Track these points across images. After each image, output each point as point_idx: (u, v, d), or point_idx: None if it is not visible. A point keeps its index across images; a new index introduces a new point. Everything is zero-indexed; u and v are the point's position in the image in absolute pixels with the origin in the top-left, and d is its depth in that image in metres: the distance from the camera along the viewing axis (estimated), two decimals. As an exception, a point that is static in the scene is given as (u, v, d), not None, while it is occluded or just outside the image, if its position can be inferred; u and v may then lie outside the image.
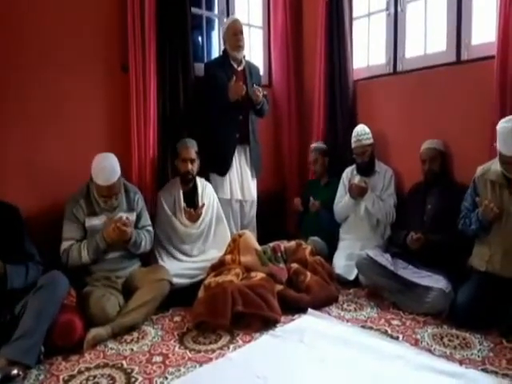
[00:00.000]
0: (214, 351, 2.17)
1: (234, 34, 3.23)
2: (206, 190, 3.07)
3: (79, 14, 2.77)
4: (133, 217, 2.64)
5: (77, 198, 2.52)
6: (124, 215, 2.55)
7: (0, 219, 2.13)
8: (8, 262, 2.04)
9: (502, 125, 2.31)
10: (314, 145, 3.65)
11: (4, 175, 2.53)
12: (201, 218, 2.96)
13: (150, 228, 2.76)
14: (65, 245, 2.47)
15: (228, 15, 3.66)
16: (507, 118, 2.34)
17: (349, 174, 3.42)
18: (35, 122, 2.63)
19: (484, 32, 2.97)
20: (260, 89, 3.22)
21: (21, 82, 2.57)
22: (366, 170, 3.30)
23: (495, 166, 2.43)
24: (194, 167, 2.95)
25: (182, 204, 2.94)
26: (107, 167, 2.44)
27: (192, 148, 2.95)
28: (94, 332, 2.21)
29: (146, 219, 2.76)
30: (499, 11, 2.67)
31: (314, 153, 3.59)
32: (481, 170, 2.52)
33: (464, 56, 3.04)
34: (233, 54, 3.27)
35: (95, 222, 2.52)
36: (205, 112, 3.26)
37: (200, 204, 2.97)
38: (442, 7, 3.16)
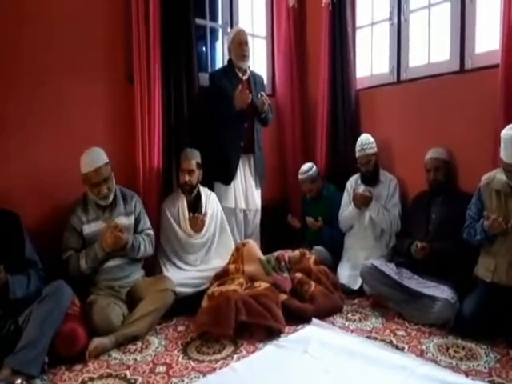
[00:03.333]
0: (217, 361, 2.16)
1: (239, 45, 3.26)
2: (209, 199, 3.08)
3: (84, 24, 2.81)
4: (131, 221, 2.64)
5: (74, 208, 2.55)
6: (122, 219, 2.56)
7: (0, 227, 2.14)
8: (9, 269, 2.05)
9: (504, 132, 2.32)
10: (301, 176, 3.50)
11: (6, 183, 2.53)
12: (205, 228, 2.97)
13: (150, 231, 2.76)
14: (65, 255, 2.50)
15: (232, 25, 3.69)
16: (511, 125, 2.34)
17: (353, 184, 3.42)
18: (38, 130, 2.65)
19: (488, 40, 2.96)
20: (267, 97, 3.24)
21: (25, 91, 2.59)
22: (371, 179, 3.30)
23: (500, 175, 2.42)
24: (192, 178, 2.95)
25: (187, 213, 2.95)
26: (89, 154, 2.51)
27: (192, 159, 2.96)
28: (97, 342, 2.20)
29: (145, 222, 2.76)
30: (503, 19, 2.67)
31: (306, 184, 3.49)
32: (486, 179, 2.50)
33: (468, 65, 3.04)
34: (238, 63, 3.29)
35: (92, 228, 2.53)
36: (210, 121, 3.27)
37: (204, 212, 2.97)
38: (445, 16, 3.17)
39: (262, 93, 3.26)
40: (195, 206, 3.02)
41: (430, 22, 3.30)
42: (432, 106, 3.19)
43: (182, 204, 2.97)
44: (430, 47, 3.30)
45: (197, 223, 2.92)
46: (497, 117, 2.71)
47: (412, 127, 3.33)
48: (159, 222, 2.98)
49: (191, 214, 2.94)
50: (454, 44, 3.11)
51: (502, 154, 2.30)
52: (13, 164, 2.58)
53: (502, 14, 2.68)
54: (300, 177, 3.52)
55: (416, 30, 3.40)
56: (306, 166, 3.52)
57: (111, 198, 2.58)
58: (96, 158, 2.51)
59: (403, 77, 3.45)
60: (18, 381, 1.88)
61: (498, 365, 2.05)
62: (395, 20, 3.47)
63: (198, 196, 3.04)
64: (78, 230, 2.52)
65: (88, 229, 2.53)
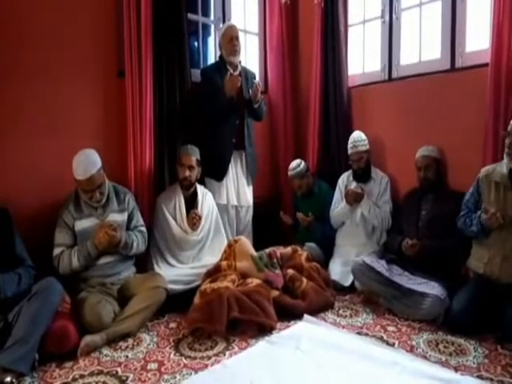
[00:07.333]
0: (209, 358, 2.16)
1: (229, 40, 3.24)
2: (205, 197, 3.08)
3: (75, 19, 2.77)
4: (124, 217, 2.64)
5: (66, 204, 2.52)
6: (115, 216, 2.56)
7: None
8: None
9: None
10: (290, 173, 3.49)
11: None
12: (201, 226, 2.96)
13: (143, 228, 2.75)
14: (56, 251, 2.46)
15: (224, 21, 3.67)
16: None
17: (345, 180, 3.44)
18: (30, 127, 2.62)
19: (478, 39, 2.99)
20: (260, 84, 3.22)
21: (13, 90, 2.55)
22: (362, 176, 3.31)
23: (500, 167, 2.43)
24: (192, 174, 2.94)
25: (184, 209, 2.94)
26: (83, 160, 2.43)
27: (192, 155, 2.95)
28: (88, 339, 2.19)
29: (138, 219, 2.75)
30: (493, 19, 2.70)
31: (295, 180, 3.49)
32: (485, 171, 2.52)
33: (458, 63, 3.07)
34: (228, 59, 3.28)
35: (84, 224, 2.50)
36: (201, 117, 3.26)
37: (199, 211, 2.96)
38: (436, 15, 3.19)
39: (255, 81, 3.23)
40: (191, 203, 3.01)
41: (422, 20, 3.32)
42: (423, 104, 3.21)
43: (180, 200, 2.96)
44: (421, 46, 3.32)
45: (194, 219, 2.90)
46: (486, 115, 2.74)
47: (403, 125, 3.35)
48: (153, 217, 2.96)
49: (192, 211, 2.92)
50: (445, 43, 3.13)
51: None
52: (3, 162, 2.54)
53: (492, 13, 2.71)
54: (289, 174, 3.53)
55: (407, 29, 3.42)
56: (294, 163, 3.52)
57: (104, 201, 2.55)
58: (89, 164, 2.42)
59: (395, 75, 3.47)
60: (8, 378, 1.87)
61: (486, 360, 2.08)
62: (387, 18, 3.48)
63: (195, 193, 3.02)
64: (70, 226, 2.49)
65: (80, 225, 2.50)
